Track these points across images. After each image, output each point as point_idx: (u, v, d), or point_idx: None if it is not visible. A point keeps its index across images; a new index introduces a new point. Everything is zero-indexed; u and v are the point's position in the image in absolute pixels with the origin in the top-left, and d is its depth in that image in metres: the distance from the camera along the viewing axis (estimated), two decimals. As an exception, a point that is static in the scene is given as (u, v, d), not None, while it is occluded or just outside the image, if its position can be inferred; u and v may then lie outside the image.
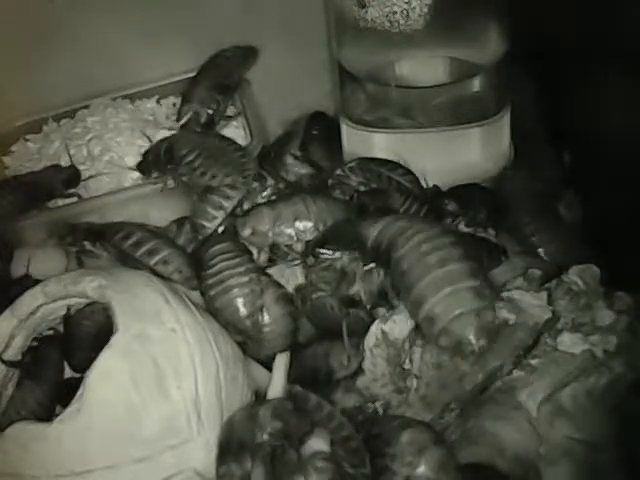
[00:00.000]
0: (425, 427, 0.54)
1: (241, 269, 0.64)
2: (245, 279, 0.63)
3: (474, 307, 0.53)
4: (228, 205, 0.69)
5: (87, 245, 0.70)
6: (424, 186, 0.73)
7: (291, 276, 0.67)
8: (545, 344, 0.58)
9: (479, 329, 0.52)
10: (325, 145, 0.80)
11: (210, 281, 0.63)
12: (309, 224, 0.67)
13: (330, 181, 0.74)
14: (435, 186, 0.73)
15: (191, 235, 0.70)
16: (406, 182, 0.71)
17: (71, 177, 0.78)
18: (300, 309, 0.65)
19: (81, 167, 0.79)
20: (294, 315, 0.65)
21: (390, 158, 0.73)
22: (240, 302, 0.62)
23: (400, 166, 0.73)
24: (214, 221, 0.69)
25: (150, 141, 0.78)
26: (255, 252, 0.67)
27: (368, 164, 0.73)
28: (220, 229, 0.70)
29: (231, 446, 0.53)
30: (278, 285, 0.66)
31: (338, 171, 0.74)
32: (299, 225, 0.67)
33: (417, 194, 0.71)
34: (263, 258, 0.68)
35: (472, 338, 0.52)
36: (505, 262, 0.65)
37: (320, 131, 0.81)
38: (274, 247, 0.68)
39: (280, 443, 0.52)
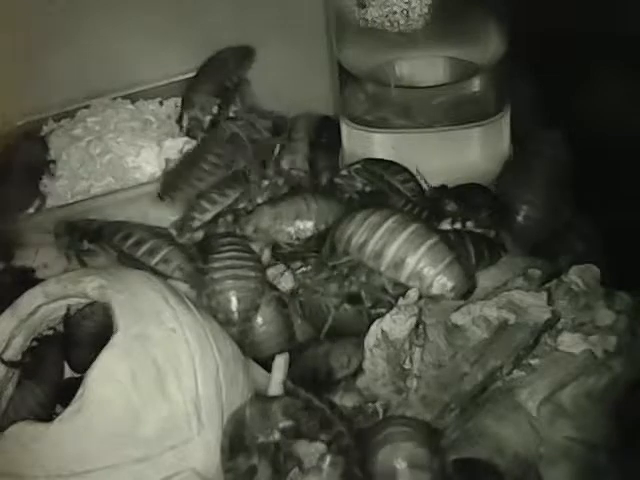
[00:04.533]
0: (407, 438, 0.53)
1: (251, 264, 0.64)
2: (252, 274, 0.64)
3: (454, 256, 0.59)
4: (222, 201, 0.70)
5: (85, 245, 0.70)
6: (426, 190, 0.72)
7: (291, 276, 0.67)
8: (545, 344, 0.58)
9: (465, 274, 0.59)
10: (332, 153, 0.80)
11: (217, 264, 0.63)
12: (309, 223, 0.67)
13: (336, 180, 0.74)
14: (443, 186, 0.73)
15: (178, 225, 0.70)
16: (405, 190, 0.71)
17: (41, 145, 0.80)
18: (298, 312, 0.65)
19: (81, 167, 0.79)
20: (287, 316, 0.65)
21: (393, 159, 0.73)
22: (241, 294, 0.62)
23: (403, 171, 0.72)
24: (205, 214, 0.70)
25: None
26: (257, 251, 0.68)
27: (372, 166, 0.73)
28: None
29: (241, 441, 0.53)
30: (274, 287, 0.66)
31: (343, 172, 0.74)
32: (299, 224, 0.67)
33: (416, 200, 0.71)
34: (266, 257, 0.68)
35: (462, 284, 0.59)
36: (505, 262, 0.65)
37: (328, 138, 0.81)
38: (275, 246, 0.68)
39: (289, 441, 0.52)
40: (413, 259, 0.58)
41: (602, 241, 0.70)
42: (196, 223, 0.70)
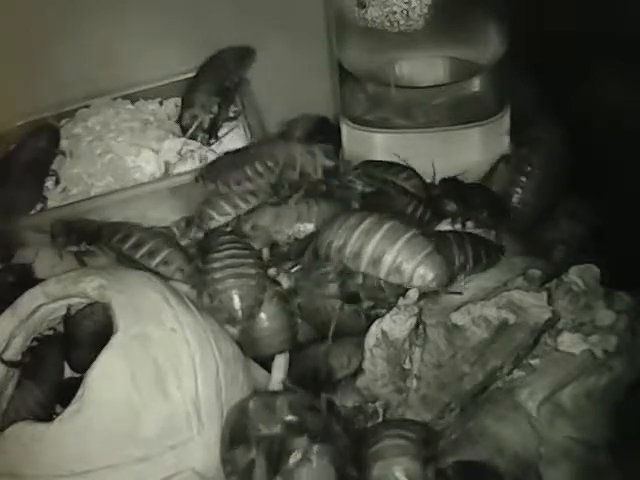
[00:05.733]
0: (401, 453, 0.53)
1: (251, 260, 0.64)
2: (253, 271, 0.64)
3: (432, 248, 0.59)
4: (243, 207, 0.70)
5: (83, 246, 0.70)
6: (429, 188, 0.72)
7: (287, 276, 0.68)
8: (545, 344, 0.58)
9: (445, 265, 0.59)
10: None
11: (217, 264, 0.63)
12: (309, 226, 0.67)
13: (337, 185, 0.74)
14: (453, 178, 0.73)
15: (195, 224, 0.70)
16: (410, 187, 0.71)
17: (51, 135, 0.80)
18: (297, 313, 0.65)
19: (81, 167, 0.79)
20: (290, 312, 0.65)
21: (393, 159, 0.73)
22: (243, 291, 0.62)
23: (405, 170, 0.72)
24: (225, 216, 0.69)
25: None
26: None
27: (372, 170, 0.73)
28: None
29: (242, 432, 0.53)
30: (275, 282, 0.66)
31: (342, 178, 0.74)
32: (300, 226, 0.67)
33: (421, 198, 0.71)
34: (265, 257, 0.68)
35: (442, 274, 0.58)
36: (505, 262, 0.65)
37: (324, 140, 0.81)
38: (274, 246, 0.68)
39: (290, 436, 0.52)
40: (391, 254, 0.58)
41: (598, 236, 0.70)
42: (214, 223, 0.69)
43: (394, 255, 0.58)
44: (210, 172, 0.71)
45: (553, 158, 0.73)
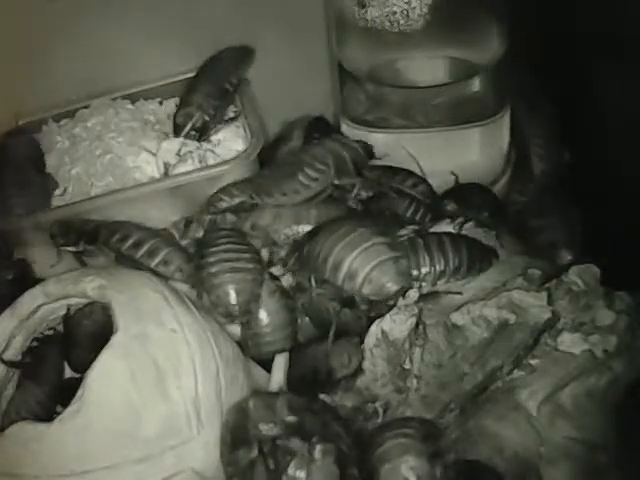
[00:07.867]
0: (405, 451, 0.53)
1: (248, 255, 0.64)
2: (250, 266, 0.63)
3: (389, 256, 0.59)
4: (250, 191, 0.70)
5: (81, 246, 0.70)
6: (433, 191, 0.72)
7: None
8: (545, 344, 0.58)
9: (398, 274, 0.58)
10: None
11: (213, 258, 0.63)
12: (307, 228, 0.67)
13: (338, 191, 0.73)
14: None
15: (205, 209, 0.70)
16: (417, 194, 0.71)
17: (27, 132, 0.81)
18: (300, 310, 0.65)
19: (81, 167, 0.79)
20: (291, 309, 0.65)
21: (392, 160, 0.73)
22: (239, 286, 0.62)
23: (411, 175, 0.72)
24: (234, 199, 0.69)
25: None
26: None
27: (378, 177, 0.73)
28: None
29: (243, 433, 0.53)
30: (275, 278, 0.66)
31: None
32: (297, 228, 0.67)
33: (427, 202, 0.70)
34: (264, 255, 0.68)
35: (392, 283, 0.58)
36: (505, 262, 0.65)
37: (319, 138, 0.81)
38: (274, 245, 0.68)
39: (288, 436, 0.52)
40: (348, 260, 0.59)
41: (598, 236, 0.70)
42: (223, 205, 0.70)
43: (350, 261, 0.59)
44: (261, 188, 0.70)
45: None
